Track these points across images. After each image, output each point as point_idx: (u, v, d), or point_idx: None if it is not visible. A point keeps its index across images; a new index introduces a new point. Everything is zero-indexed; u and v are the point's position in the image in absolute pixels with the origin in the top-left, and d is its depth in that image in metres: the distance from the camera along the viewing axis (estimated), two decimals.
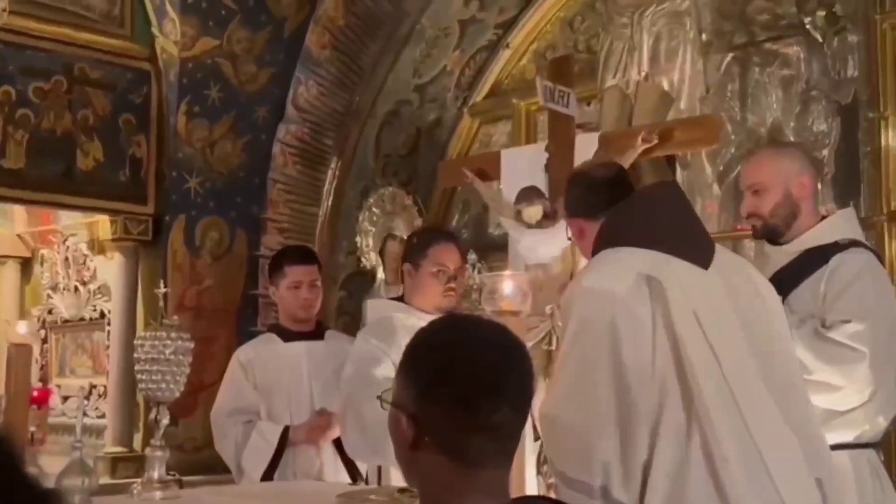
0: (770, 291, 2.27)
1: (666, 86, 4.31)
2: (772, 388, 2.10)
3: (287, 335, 3.74)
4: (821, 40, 4.23)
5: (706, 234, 2.29)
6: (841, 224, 2.74)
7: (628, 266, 2.10)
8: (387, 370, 3.24)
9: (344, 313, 5.62)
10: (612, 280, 2.08)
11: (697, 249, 2.19)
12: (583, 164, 2.84)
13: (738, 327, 2.13)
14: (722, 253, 2.26)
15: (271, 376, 3.67)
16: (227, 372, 3.76)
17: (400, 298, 3.39)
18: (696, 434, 1.99)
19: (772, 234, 2.78)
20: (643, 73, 4.31)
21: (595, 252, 2.22)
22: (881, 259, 2.78)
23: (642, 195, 2.37)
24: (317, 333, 3.78)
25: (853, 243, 2.66)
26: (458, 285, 3.39)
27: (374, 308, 3.60)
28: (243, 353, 3.76)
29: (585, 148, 4.06)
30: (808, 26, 4.26)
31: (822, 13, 4.24)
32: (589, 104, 4.71)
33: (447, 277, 3.32)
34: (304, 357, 3.69)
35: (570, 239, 2.56)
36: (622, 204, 2.27)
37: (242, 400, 3.66)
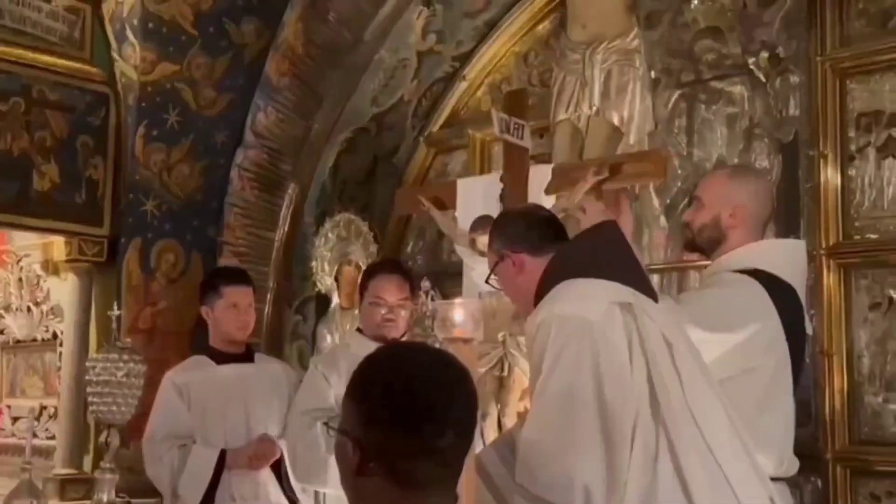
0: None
1: (616, 120, 4.42)
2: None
3: (219, 357, 3.74)
4: (764, 80, 4.38)
5: (643, 268, 2.38)
6: (752, 254, 2.68)
7: (598, 294, 2.16)
8: (326, 395, 3.34)
9: (299, 337, 5.65)
10: (586, 307, 2.13)
11: (646, 285, 2.29)
12: (510, 207, 2.82)
13: (693, 360, 2.21)
14: None
15: (206, 399, 3.65)
16: (159, 395, 3.72)
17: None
18: (664, 456, 2.06)
19: (696, 250, 2.84)
20: (594, 108, 4.41)
21: (545, 285, 2.27)
22: (783, 294, 2.65)
23: (596, 231, 2.43)
24: (247, 356, 3.80)
25: (754, 273, 2.60)
26: (396, 316, 3.49)
27: (343, 337, 3.75)
28: (178, 376, 3.74)
29: (539, 179, 4.15)
30: (752, 67, 4.41)
31: (765, 54, 4.39)
32: (542, 136, 4.81)
33: (385, 308, 3.46)
34: (238, 379, 3.70)
35: (488, 281, 2.51)
36: (577, 238, 2.35)
37: (178, 424, 3.64)
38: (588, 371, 2.06)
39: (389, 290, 3.53)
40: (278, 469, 3.63)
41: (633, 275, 2.25)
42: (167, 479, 3.58)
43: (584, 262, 2.25)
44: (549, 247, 2.34)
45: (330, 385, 3.38)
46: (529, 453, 2.12)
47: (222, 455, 3.56)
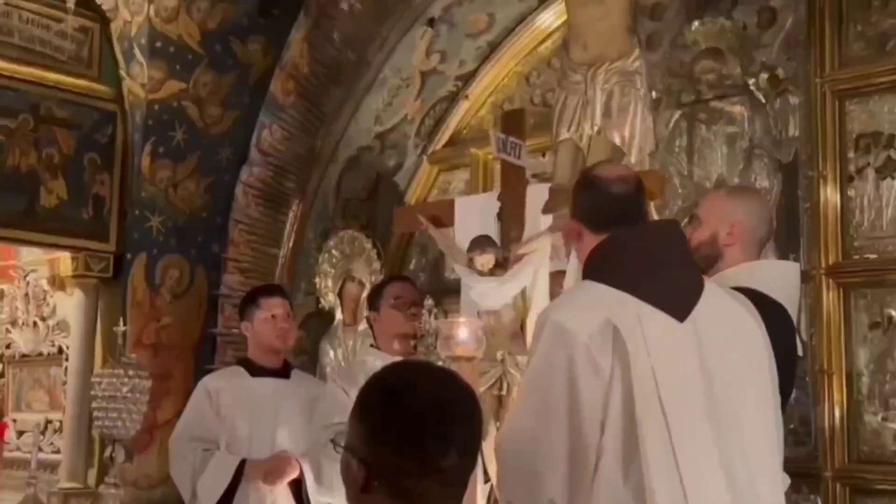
0: (762, 344, 2.23)
1: (617, 140, 4.44)
2: (727, 451, 2.07)
3: (255, 370, 3.78)
4: (764, 101, 4.42)
5: (695, 278, 2.24)
6: (747, 273, 2.66)
7: (599, 309, 2.08)
8: (347, 409, 3.37)
9: (302, 352, 5.68)
10: (580, 321, 2.07)
11: (678, 298, 2.15)
12: (601, 166, 2.57)
13: (699, 386, 2.10)
14: (712, 299, 2.19)
15: (236, 408, 3.70)
16: (191, 399, 3.79)
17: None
18: (629, 491, 2.00)
19: None
20: (595, 128, 4.44)
21: (586, 269, 2.22)
22: (776, 313, 2.59)
23: (642, 231, 2.30)
24: (284, 371, 3.83)
25: (748, 292, 2.52)
26: (418, 311, 3.57)
27: (358, 354, 3.78)
28: (212, 381, 3.80)
29: (537, 197, 4.18)
30: (752, 87, 4.45)
31: (765, 75, 4.42)
32: (544, 155, 4.85)
33: (407, 304, 3.52)
34: (271, 394, 3.73)
35: (568, 245, 2.49)
36: (623, 234, 2.21)
37: (204, 428, 3.69)
38: (564, 388, 2.02)
39: (408, 289, 3.63)
40: (298, 488, 3.63)
41: (662, 287, 2.13)
42: (188, 479, 3.63)
43: (613, 263, 2.17)
44: (607, 227, 2.23)
45: (350, 399, 3.41)
46: (501, 459, 2.12)
47: (242, 463, 3.59)
